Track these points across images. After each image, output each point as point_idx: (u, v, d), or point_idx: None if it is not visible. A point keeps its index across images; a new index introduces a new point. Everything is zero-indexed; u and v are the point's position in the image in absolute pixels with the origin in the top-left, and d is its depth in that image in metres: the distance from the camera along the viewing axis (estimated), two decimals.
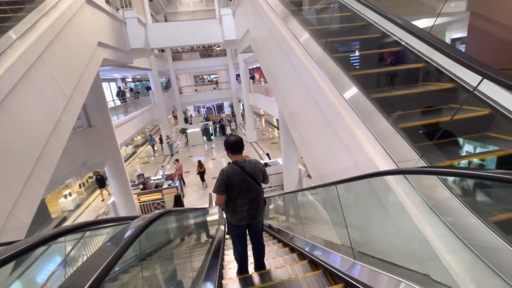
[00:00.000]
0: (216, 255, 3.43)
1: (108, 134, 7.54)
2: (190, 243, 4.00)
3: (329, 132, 2.06)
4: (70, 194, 10.82)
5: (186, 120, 26.47)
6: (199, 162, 12.03)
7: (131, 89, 22.04)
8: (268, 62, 4.02)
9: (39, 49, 2.74)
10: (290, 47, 2.66)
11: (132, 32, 7.80)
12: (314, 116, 2.31)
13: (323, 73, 2.12)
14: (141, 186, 9.85)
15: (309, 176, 8.85)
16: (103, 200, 11.02)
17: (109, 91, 18.18)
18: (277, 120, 23.48)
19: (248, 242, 2.73)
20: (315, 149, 2.42)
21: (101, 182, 10.95)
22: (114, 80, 19.67)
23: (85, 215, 10.09)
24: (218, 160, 16.07)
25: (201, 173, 12.10)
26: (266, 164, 10.53)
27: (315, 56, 2.32)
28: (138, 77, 24.38)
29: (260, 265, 2.76)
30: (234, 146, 2.42)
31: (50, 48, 2.96)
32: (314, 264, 2.59)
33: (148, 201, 9.22)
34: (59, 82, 3.06)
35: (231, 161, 2.50)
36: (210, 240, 5.14)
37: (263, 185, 2.62)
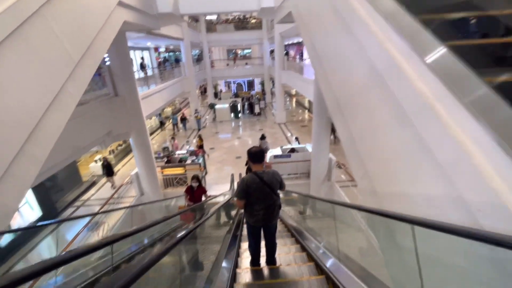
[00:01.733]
0: (233, 243, 3.78)
1: (133, 104, 7.34)
2: (209, 224, 3.90)
3: (405, 134, 1.35)
4: (100, 159, 11.22)
5: (215, 95, 26.22)
6: (199, 136, 12.43)
7: (165, 60, 21.89)
8: (312, 33, 3.21)
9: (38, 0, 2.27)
10: (349, 6, 1.89)
11: None
12: (379, 107, 1.60)
13: (403, 43, 1.37)
14: (165, 159, 9.81)
15: (339, 166, 8.07)
16: (113, 187, 9.39)
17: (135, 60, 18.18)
18: (309, 101, 22.22)
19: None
20: (373, 155, 1.73)
21: (108, 169, 9.66)
22: (148, 49, 19.58)
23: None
24: (244, 140, 15.67)
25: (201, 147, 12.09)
26: (293, 150, 9.84)
27: (391, 19, 1.54)
28: (171, 47, 24.16)
29: (271, 260, 3.11)
30: (255, 156, 2.64)
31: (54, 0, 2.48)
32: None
33: (171, 175, 9.17)
34: (65, 43, 2.61)
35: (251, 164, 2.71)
36: (231, 221, 5.40)
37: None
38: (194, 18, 20.08)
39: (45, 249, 7.01)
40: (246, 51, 35.46)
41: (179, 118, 18.43)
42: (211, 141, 15.41)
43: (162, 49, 24.14)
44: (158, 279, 1.54)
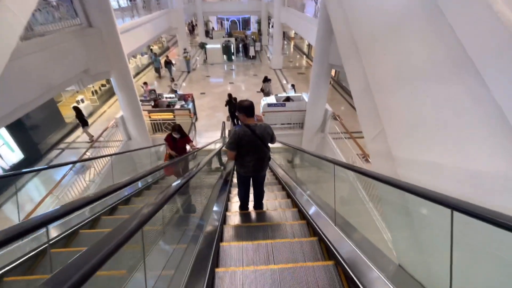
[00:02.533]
0: (224, 189, 3.98)
1: (112, 38, 6.40)
2: (202, 170, 4.04)
3: (457, 88, 1.00)
4: (82, 100, 10.48)
5: (207, 33, 23.85)
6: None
7: None
8: None
9: None
10: None
11: None
12: (419, 49, 1.19)
13: None
14: (152, 103, 9.22)
15: (335, 118, 7.80)
16: (91, 141, 7.97)
17: None
18: (308, 46, 20.62)
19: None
20: (398, 112, 1.39)
21: (81, 119, 8.55)
22: None
23: (99, 125, 9.95)
24: (237, 85, 14.83)
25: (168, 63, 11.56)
26: (288, 99, 9.36)
27: None
28: None
29: (258, 205, 3.34)
30: (246, 110, 2.63)
31: None
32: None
33: (159, 120, 8.73)
34: None
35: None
36: (222, 168, 5.50)
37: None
38: None
39: (33, 189, 6.94)
40: None
41: (162, 61, 15.91)
42: (202, 85, 14.54)
43: None
44: (154, 219, 1.60)
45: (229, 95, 9.63)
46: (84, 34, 5.80)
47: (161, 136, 8.94)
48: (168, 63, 15.03)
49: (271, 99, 9.31)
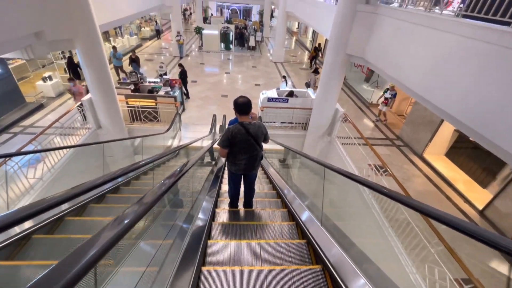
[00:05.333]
0: (214, 184, 3.94)
1: None
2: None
3: None
4: (50, 78, 8.90)
5: (204, 21, 22.27)
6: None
7: None
8: None
9: None
10: None
11: None
12: None
13: None
14: (132, 87, 7.78)
15: (345, 120, 6.61)
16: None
17: None
18: (311, 42, 19.40)
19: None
20: None
21: (73, 67, 7.41)
22: None
23: (67, 107, 8.42)
24: (233, 76, 13.46)
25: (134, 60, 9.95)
26: (292, 93, 8.11)
27: None
28: None
29: (248, 203, 3.31)
30: (242, 108, 2.58)
31: None
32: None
33: (138, 107, 7.32)
34: None
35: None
36: (214, 162, 5.27)
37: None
38: None
39: None
40: None
41: (126, 58, 12.41)
42: (194, 73, 13.10)
43: None
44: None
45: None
46: None
47: (139, 127, 7.58)
48: (134, 61, 10.98)
49: (272, 93, 8.03)
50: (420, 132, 8.35)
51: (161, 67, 9.45)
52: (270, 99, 7.59)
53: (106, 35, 15.54)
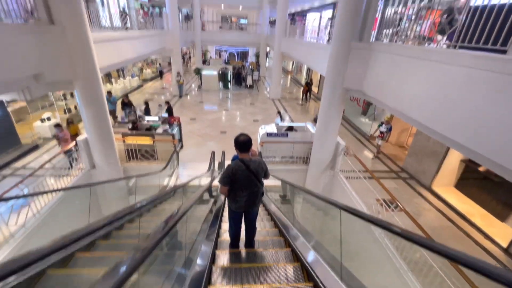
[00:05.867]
0: (214, 224, 3.84)
1: (80, 42, 5.12)
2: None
3: None
4: (49, 118, 8.90)
5: (204, 63, 23.47)
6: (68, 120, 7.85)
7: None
8: None
9: None
10: None
11: None
12: None
13: None
14: (130, 125, 7.73)
15: (347, 153, 6.43)
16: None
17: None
18: (305, 79, 20.19)
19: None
20: None
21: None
22: None
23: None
24: (232, 113, 13.64)
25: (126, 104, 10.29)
26: (291, 128, 8.06)
27: None
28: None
29: (249, 243, 3.19)
30: (242, 145, 2.65)
31: None
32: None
33: (136, 145, 7.16)
34: None
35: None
36: (212, 200, 5.09)
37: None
38: None
39: None
40: (242, 20, 32.14)
41: (119, 102, 11.60)
42: (193, 111, 13.29)
43: None
44: None
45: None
46: (41, 31, 4.50)
47: (136, 166, 7.34)
48: (126, 105, 10.32)
49: (271, 128, 7.98)
50: (425, 163, 8.12)
51: (160, 105, 9.54)
52: (269, 134, 7.50)
53: (108, 77, 16.12)
